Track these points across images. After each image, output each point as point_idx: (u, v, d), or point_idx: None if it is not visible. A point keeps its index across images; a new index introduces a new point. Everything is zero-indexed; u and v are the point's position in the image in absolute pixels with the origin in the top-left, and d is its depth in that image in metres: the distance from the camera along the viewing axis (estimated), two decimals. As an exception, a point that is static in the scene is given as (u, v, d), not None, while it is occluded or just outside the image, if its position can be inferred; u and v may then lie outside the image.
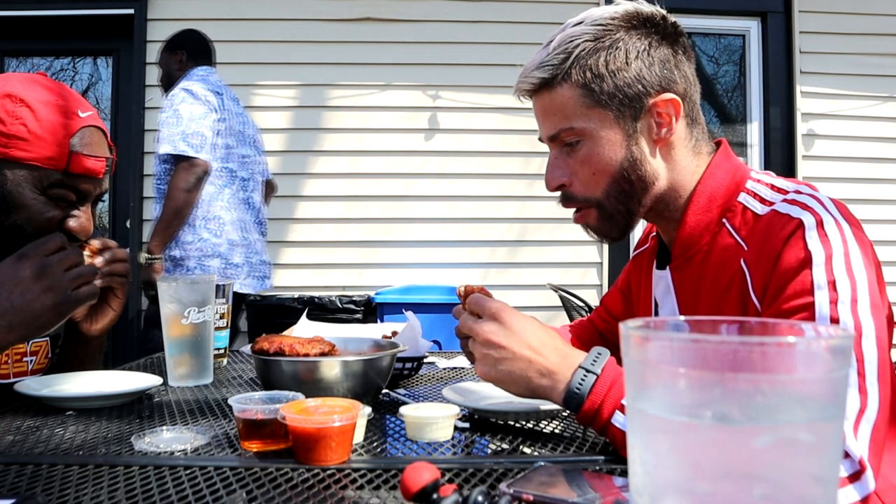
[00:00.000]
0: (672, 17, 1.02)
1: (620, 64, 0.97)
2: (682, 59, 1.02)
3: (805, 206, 0.92)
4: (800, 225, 0.90)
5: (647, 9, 1.00)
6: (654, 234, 1.19)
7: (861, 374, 0.80)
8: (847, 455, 0.75)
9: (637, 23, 0.99)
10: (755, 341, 0.40)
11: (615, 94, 0.98)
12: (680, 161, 1.03)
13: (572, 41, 0.99)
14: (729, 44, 4.21)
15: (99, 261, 1.17)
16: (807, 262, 0.87)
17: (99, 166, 1.14)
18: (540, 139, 1.09)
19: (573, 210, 1.08)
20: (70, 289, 1.02)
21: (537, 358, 0.88)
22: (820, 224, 0.89)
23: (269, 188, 3.04)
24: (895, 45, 3.99)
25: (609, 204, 1.03)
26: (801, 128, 3.97)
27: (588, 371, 0.86)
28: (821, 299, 0.85)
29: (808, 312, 0.85)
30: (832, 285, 0.85)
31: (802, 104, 3.97)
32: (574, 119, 1.00)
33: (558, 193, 1.06)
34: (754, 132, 4.08)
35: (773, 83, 4.02)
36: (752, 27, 4.09)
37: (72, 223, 1.14)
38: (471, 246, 3.87)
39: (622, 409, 0.83)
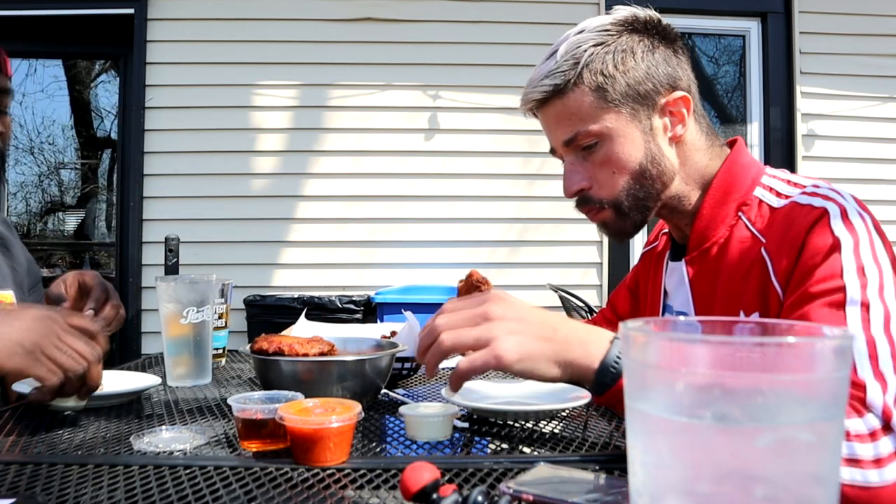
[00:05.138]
0: (665, 20, 1.06)
1: (630, 64, 1.00)
2: (682, 58, 1.05)
3: (827, 197, 0.94)
4: (824, 213, 0.92)
5: (643, 13, 1.04)
6: (665, 231, 1.21)
7: (894, 356, 0.81)
8: (869, 409, 0.77)
9: (638, 26, 1.03)
10: (755, 341, 0.40)
11: (628, 92, 1.00)
12: (693, 155, 1.06)
13: (579, 47, 1.01)
14: (729, 44, 4.21)
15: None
16: (836, 247, 0.89)
17: None
18: (551, 151, 1.10)
19: (587, 212, 1.08)
20: (43, 355, 0.89)
21: (560, 322, 0.83)
22: (844, 213, 0.91)
23: None
24: (895, 46, 3.99)
25: (627, 201, 1.04)
26: (801, 128, 3.97)
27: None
28: (851, 282, 0.86)
29: (840, 295, 0.86)
30: (861, 270, 0.86)
31: (802, 104, 3.97)
32: (590, 121, 1.01)
33: (555, 194, 1.07)
34: (754, 132, 4.07)
35: (773, 83, 4.01)
36: (752, 27, 4.09)
37: None
38: (471, 246, 3.86)
39: None
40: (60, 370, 0.90)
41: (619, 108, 1.00)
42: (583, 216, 1.10)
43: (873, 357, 0.81)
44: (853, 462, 0.73)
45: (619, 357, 0.80)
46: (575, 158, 1.05)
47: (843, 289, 0.86)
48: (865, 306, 0.84)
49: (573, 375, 0.83)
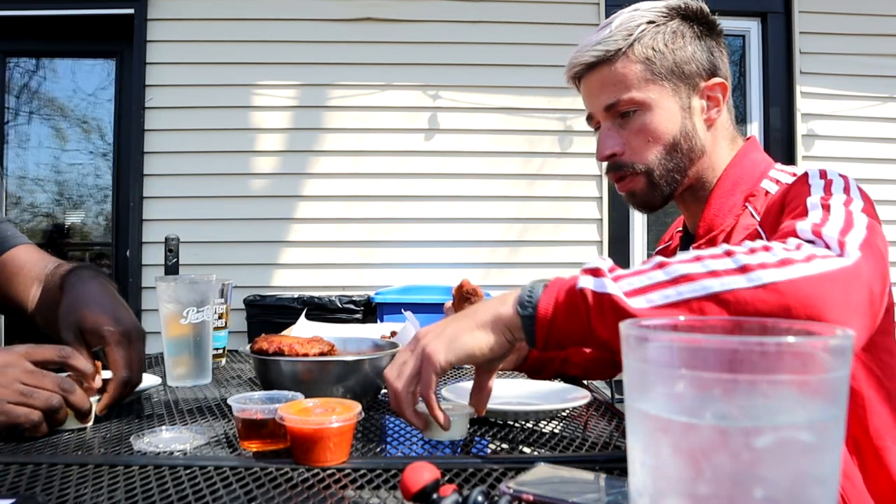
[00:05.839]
0: (713, 16, 1.13)
1: (679, 44, 1.08)
2: (723, 52, 1.14)
3: (810, 168, 1.00)
4: (804, 174, 0.98)
5: (694, 4, 1.12)
6: (679, 230, 1.27)
7: (846, 222, 0.81)
8: (797, 235, 0.79)
9: (689, 14, 1.11)
10: (755, 341, 0.40)
11: (673, 69, 1.07)
12: (719, 142, 1.12)
13: (633, 21, 1.09)
14: (729, 44, 4.20)
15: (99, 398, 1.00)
16: (808, 188, 0.93)
17: None
18: (588, 118, 1.17)
19: (617, 179, 1.14)
20: (8, 404, 0.87)
21: (475, 305, 0.86)
22: (823, 172, 0.96)
23: None
24: (895, 46, 3.99)
25: (658, 171, 1.10)
26: (801, 128, 3.97)
27: (537, 281, 0.84)
28: (815, 194, 0.89)
29: (801, 209, 0.87)
30: (828, 190, 0.90)
31: (802, 104, 3.96)
32: (634, 90, 1.08)
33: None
34: (754, 132, 4.07)
35: (773, 83, 4.01)
36: (752, 27, 4.09)
37: None
38: (471, 246, 3.86)
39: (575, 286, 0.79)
40: (36, 410, 0.88)
41: (663, 83, 1.07)
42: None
43: (823, 220, 0.82)
44: (785, 262, 0.72)
45: (531, 290, 0.82)
46: (612, 124, 1.11)
47: (804, 202, 0.88)
48: (826, 208, 0.85)
49: (503, 330, 0.82)
